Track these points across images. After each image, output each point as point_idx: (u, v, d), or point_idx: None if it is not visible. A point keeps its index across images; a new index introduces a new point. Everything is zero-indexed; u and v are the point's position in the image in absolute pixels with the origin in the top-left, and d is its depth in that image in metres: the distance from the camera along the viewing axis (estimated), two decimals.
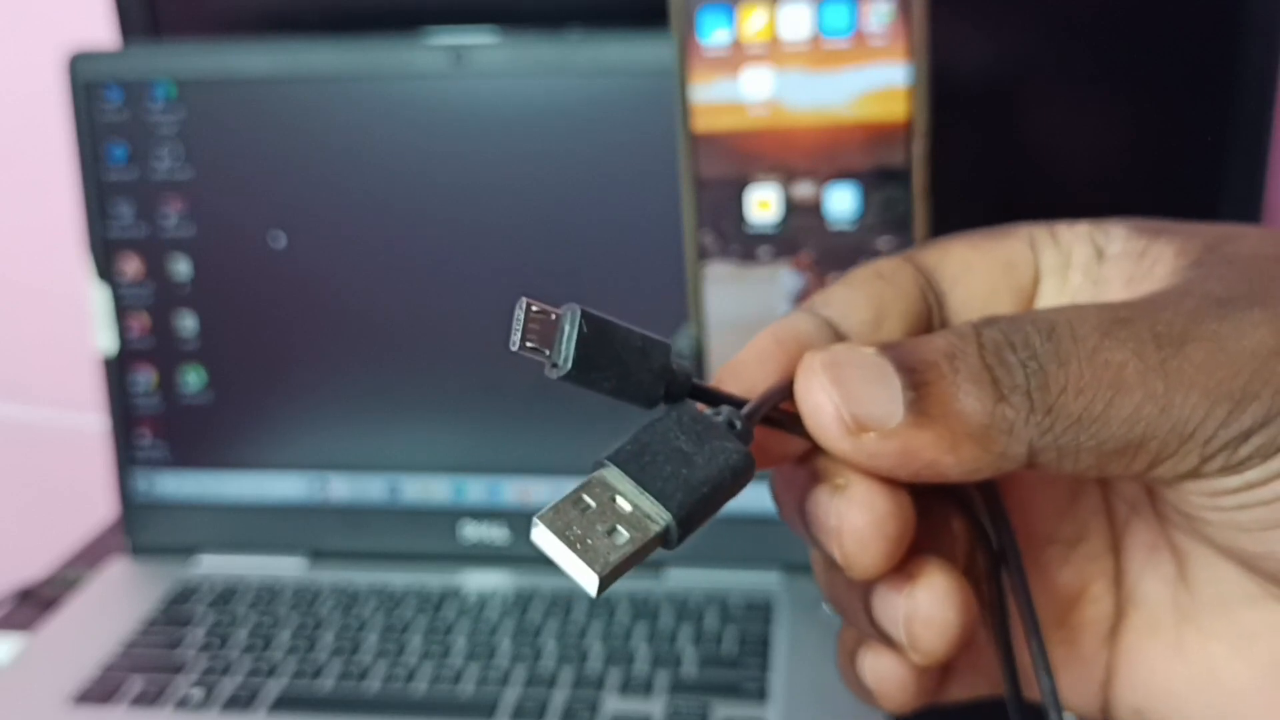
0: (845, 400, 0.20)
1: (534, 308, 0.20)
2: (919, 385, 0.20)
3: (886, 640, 0.22)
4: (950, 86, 0.51)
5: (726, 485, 0.20)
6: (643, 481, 0.20)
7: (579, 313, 0.20)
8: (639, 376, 0.20)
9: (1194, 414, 0.20)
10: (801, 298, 0.53)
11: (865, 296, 0.23)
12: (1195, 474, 0.20)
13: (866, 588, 0.22)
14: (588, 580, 0.19)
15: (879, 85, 0.50)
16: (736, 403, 0.21)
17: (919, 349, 0.21)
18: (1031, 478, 0.25)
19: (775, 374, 0.22)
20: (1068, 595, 0.25)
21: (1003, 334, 0.20)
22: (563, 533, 0.19)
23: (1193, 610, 0.24)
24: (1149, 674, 0.25)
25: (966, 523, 0.24)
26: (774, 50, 0.50)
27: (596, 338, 0.20)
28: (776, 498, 0.23)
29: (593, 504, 0.20)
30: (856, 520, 0.21)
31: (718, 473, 0.20)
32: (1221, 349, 0.20)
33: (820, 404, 0.21)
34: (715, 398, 0.21)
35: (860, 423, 0.20)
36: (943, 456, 0.20)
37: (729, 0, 0.50)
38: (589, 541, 0.19)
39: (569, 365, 0.20)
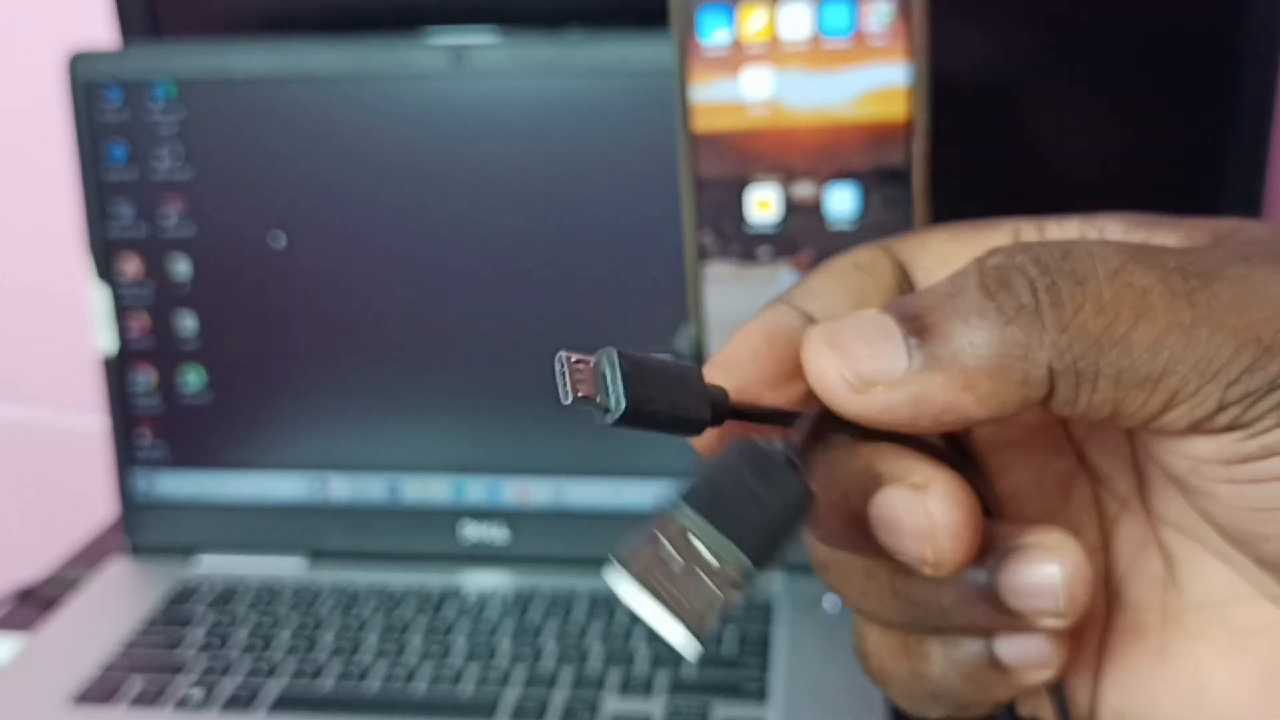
0: (846, 361, 0.20)
1: (573, 358, 0.20)
2: (921, 330, 0.19)
3: (1010, 621, 0.21)
4: (950, 86, 0.51)
5: (793, 525, 0.20)
6: (719, 524, 0.19)
7: (615, 354, 0.20)
8: (685, 403, 0.20)
9: (1220, 352, 0.19)
10: None
11: (845, 288, 0.23)
12: (1208, 423, 0.19)
13: (974, 576, 0.21)
14: (689, 647, 0.19)
15: (879, 85, 0.50)
16: (778, 417, 0.21)
17: (920, 296, 0.20)
18: (1021, 466, 0.25)
19: (767, 371, 0.22)
20: None
21: (1006, 257, 0.20)
22: (650, 585, 0.19)
23: (1180, 611, 0.24)
24: (1132, 678, 0.24)
25: None
26: (774, 50, 0.50)
27: (638, 374, 0.20)
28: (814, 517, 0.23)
29: (670, 549, 0.19)
30: (948, 517, 0.20)
31: (784, 512, 0.20)
32: (1251, 291, 0.19)
33: (823, 370, 0.20)
34: (755, 415, 0.21)
35: (865, 379, 0.20)
36: (959, 396, 0.19)
37: (729, 0, 0.50)
38: (681, 600, 0.19)
39: (623, 406, 0.19)
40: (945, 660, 0.22)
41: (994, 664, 0.22)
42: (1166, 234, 0.22)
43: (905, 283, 0.24)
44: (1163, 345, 0.19)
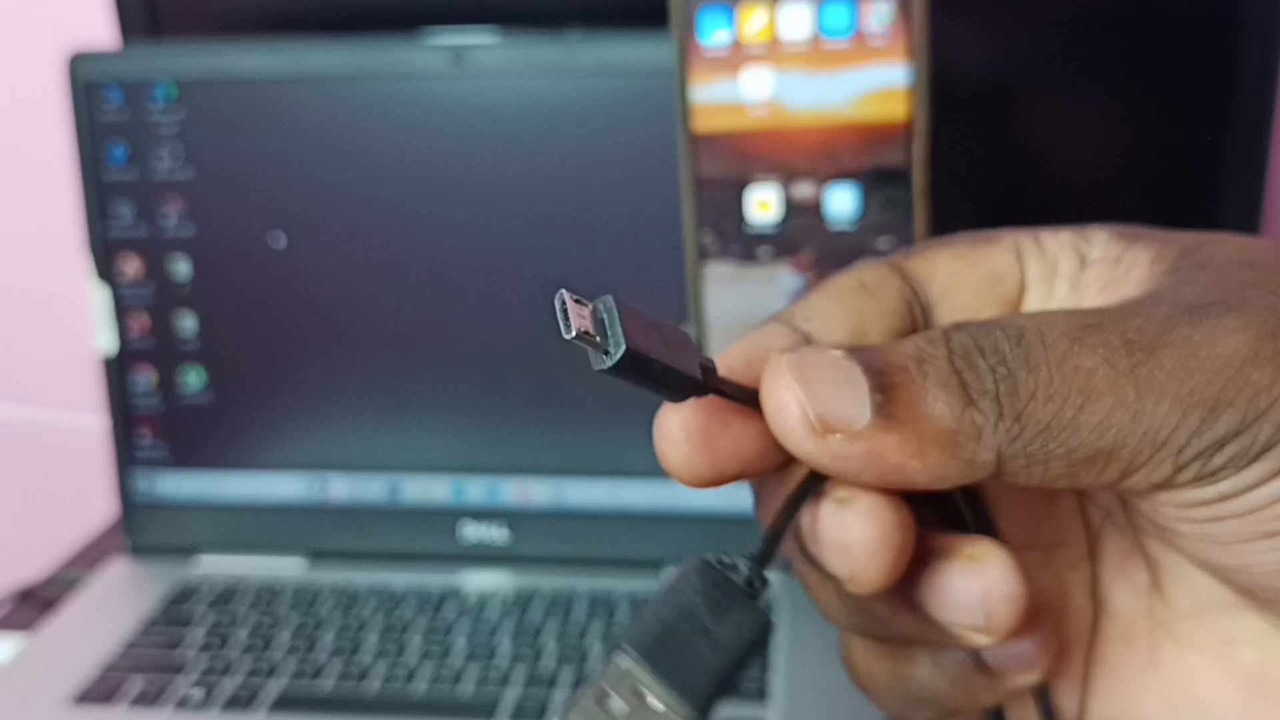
0: (811, 400, 0.20)
1: (574, 297, 0.20)
2: (886, 388, 0.20)
3: (940, 635, 0.21)
4: (950, 86, 0.51)
5: (747, 660, 0.20)
6: (666, 673, 0.19)
7: (613, 300, 0.20)
8: (679, 359, 0.20)
9: (1166, 421, 0.19)
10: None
11: (845, 311, 0.23)
12: (1169, 484, 0.20)
13: (908, 589, 0.21)
14: None
15: (879, 85, 0.50)
16: (746, 400, 0.21)
17: (887, 352, 0.20)
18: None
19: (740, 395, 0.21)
20: (1050, 605, 0.25)
21: (972, 339, 0.20)
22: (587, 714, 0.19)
23: (1167, 620, 0.24)
24: (1120, 685, 0.24)
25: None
26: (774, 50, 0.50)
27: (636, 323, 0.20)
28: (760, 519, 0.23)
29: (616, 700, 0.19)
30: (864, 533, 0.20)
31: (738, 650, 0.20)
32: (1194, 355, 0.19)
33: (785, 402, 0.20)
34: (739, 394, 0.21)
35: (826, 423, 0.20)
36: (909, 460, 0.20)
37: (729, 0, 0.50)
38: None
39: (622, 348, 0.19)
40: (930, 664, 0.22)
41: (979, 667, 0.22)
42: (1140, 250, 0.22)
43: (917, 303, 0.24)
44: (1109, 424, 0.19)
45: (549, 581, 0.61)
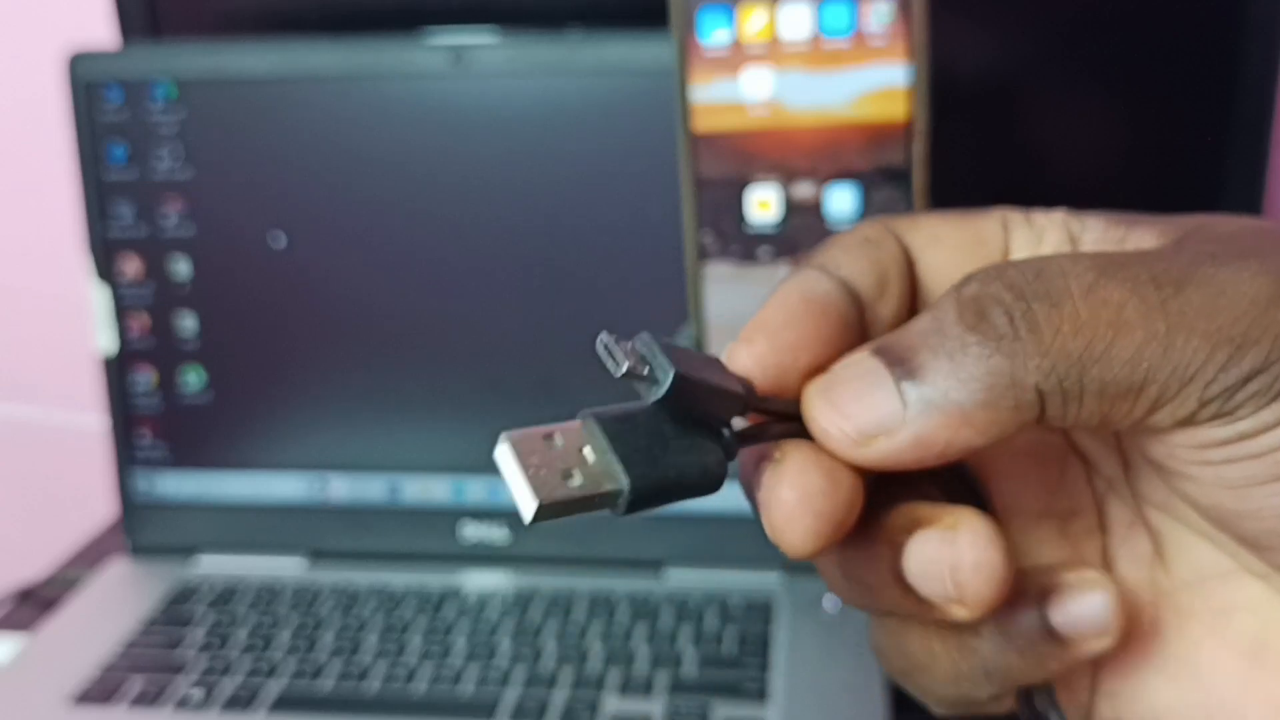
0: (843, 419, 0.20)
1: (614, 338, 0.20)
2: (911, 373, 0.20)
3: (927, 610, 0.21)
4: (950, 86, 0.51)
5: (693, 480, 0.20)
6: (615, 443, 0.20)
7: (650, 337, 0.20)
8: (723, 379, 0.21)
9: (1195, 356, 0.19)
10: None
11: (868, 261, 0.23)
12: (1191, 420, 0.20)
13: (895, 552, 0.21)
14: (527, 506, 0.19)
15: (879, 85, 0.50)
16: (790, 416, 0.21)
17: (905, 336, 0.21)
18: (1021, 450, 0.25)
19: (806, 337, 0.22)
20: None
21: (981, 285, 0.20)
22: (523, 456, 0.19)
23: (1169, 589, 0.24)
24: (1124, 658, 0.24)
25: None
26: (774, 50, 0.50)
27: (675, 353, 0.20)
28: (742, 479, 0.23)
29: (560, 444, 0.20)
30: (784, 495, 0.20)
31: (689, 465, 0.20)
32: (1221, 293, 0.19)
33: (826, 430, 0.21)
34: (776, 410, 0.21)
35: (864, 434, 0.20)
36: (958, 432, 0.20)
37: (729, 0, 0.50)
38: (543, 473, 0.19)
39: (670, 374, 0.20)
40: (996, 635, 0.22)
41: (1049, 634, 0.22)
42: (1142, 232, 0.23)
43: (907, 257, 0.24)
44: (1141, 357, 0.19)
45: (549, 581, 0.61)
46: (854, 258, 0.23)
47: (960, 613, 0.21)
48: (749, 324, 0.22)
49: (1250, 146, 0.59)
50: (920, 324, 0.21)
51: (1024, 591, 0.22)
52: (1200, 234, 0.22)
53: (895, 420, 0.20)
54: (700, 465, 0.20)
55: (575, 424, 0.20)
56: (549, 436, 0.20)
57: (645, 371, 0.20)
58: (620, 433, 0.20)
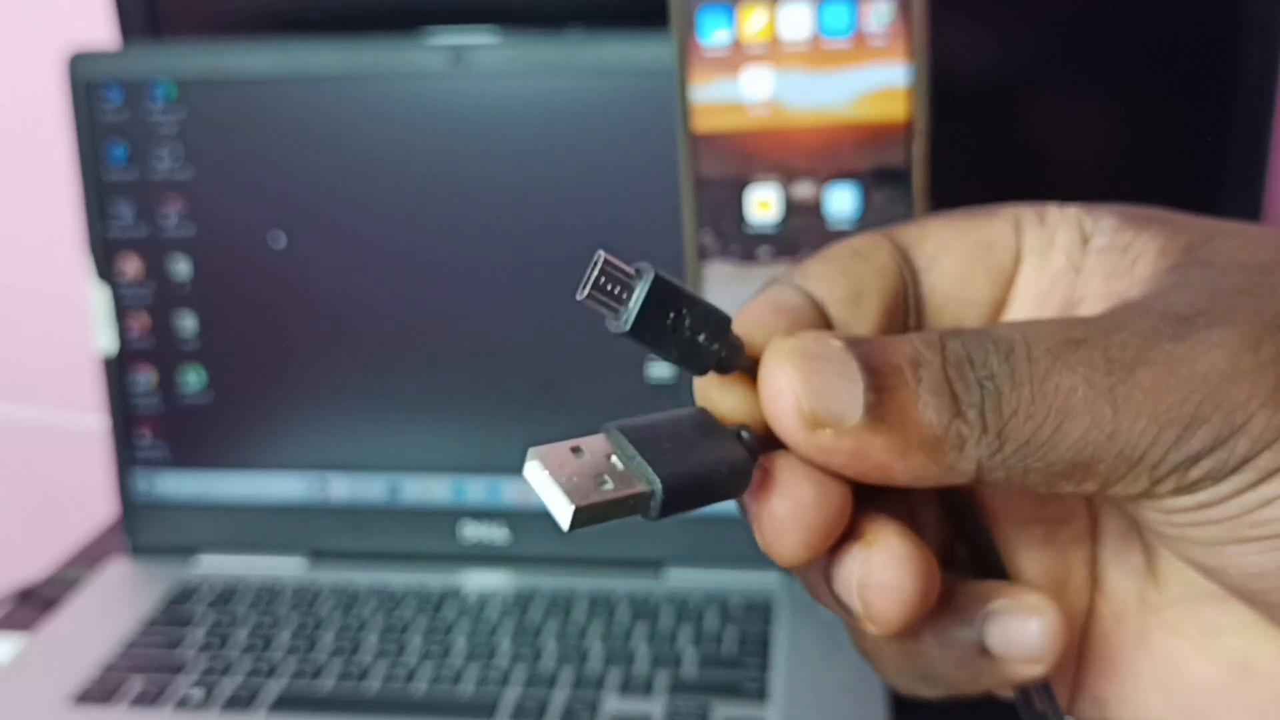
0: (808, 393, 0.20)
1: (611, 262, 0.20)
2: (880, 389, 0.20)
3: (845, 611, 0.22)
4: (950, 86, 0.51)
5: (722, 479, 0.20)
6: (641, 449, 0.20)
7: (652, 275, 0.20)
8: (699, 342, 0.21)
9: (1141, 439, 0.20)
10: None
11: (843, 273, 0.23)
12: (1148, 494, 0.20)
13: (828, 560, 0.22)
14: (563, 511, 0.19)
15: (879, 85, 0.50)
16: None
17: (885, 351, 0.20)
18: None
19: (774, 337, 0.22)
20: (1052, 579, 0.25)
21: (964, 348, 0.20)
22: (553, 467, 0.20)
23: (1158, 605, 0.24)
24: (1112, 663, 0.25)
25: (941, 517, 0.24)
26: (774, 50, 0.50)
27: (664, 300, 0.20)
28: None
29: (587, 454, 0.20)
30: (775, 508, 0.21)
31: (716, 464, 0.20)
32: (1173, 372, 0.20)
33: (782, 390, 0.20)
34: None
35: (818, 418, 0.20)
36: (893, 462, 0.20)
37: (729, 0, 0.50)
38: (575, 480, 0.20)
39: (631, 322, 0.20)
40: (935, 643, 0.22)
41: (983, 651, 0.22)
42: (1149, 239, 0.23)
43: (908, 269, 0.24)
44: (1085, 442, 0.20)
45: (549, 581, 0.61)
46: (831, 270, 0.23)
47: (871, 629, 0.21)
48: None
49: (1250, 146, 0.59)
50: (903, 349, 0.21)
51: (965, 607, 0.22)
52: (1193, 260, 0.22)
53: (849, 420, 0.20)
54: (727, 463, 0.20)
55: (599, 436, 0.20)
56: (575, 449, 0.20)
57: (615, 307, 0.20)
58: (644, 440, 0.20)
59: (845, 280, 0.23)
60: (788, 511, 0.21)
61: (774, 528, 0.21)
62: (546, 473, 0.20)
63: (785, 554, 0.21)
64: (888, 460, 0.20)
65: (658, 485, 0.20)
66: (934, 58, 0.49)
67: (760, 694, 0.52)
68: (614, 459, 0.20)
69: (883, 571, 0.21)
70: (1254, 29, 0.58)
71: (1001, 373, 0.20)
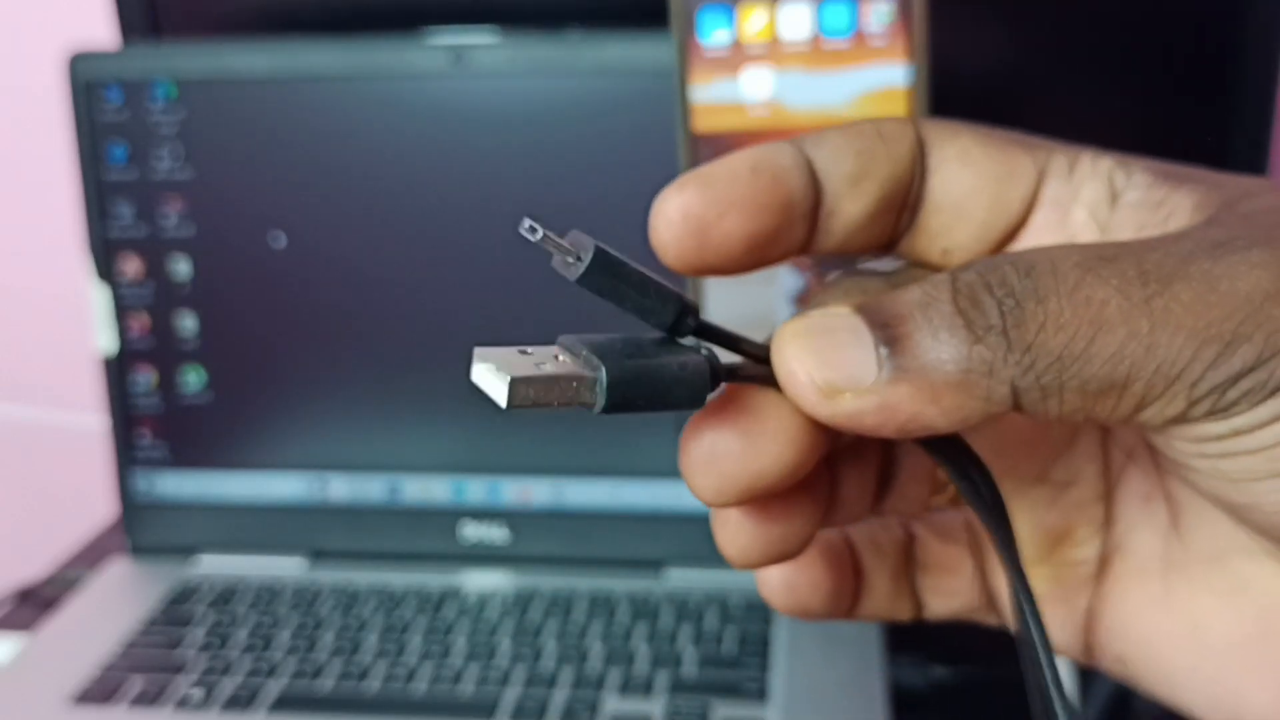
0: (817, 366, 0.20)
1: (543, 233, 0.20)
2: (893, 340, 0.20)
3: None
4: (950, 86, 0.51)
5: (672, 374, 0.20)
6: (593, 348, 0.20)
7: (593, 250, 0.20)
8: (658, 286, 0.21)
9: (1181, 354, 0.19)
10: (801, 298, 0.53)
11: (857, 151, 0.22)
12: (1183, 418, 0.20)
13: None
14: (498, 388, 0.19)
15: (879, 85, 0.50)
16: (743, 348, 0.21)
17: (893, 303, 0.20)
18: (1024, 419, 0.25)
19: (740, 195, 0.21)
20: (1052, 535, 0.26)
21: (978, 275, 0.20)
22: (498, 361, 0.20)
23: (1183, 561, 0.24)
24: (1132, 621, 0.25)
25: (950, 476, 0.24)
26: (774, 50, 0.50)
27: (608, 276, 0.20)
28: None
29: (534, 354, 0.20)
30: (716, 441, 0.21)
31: (669, 363, 0.20)
32: (1213, 289, 0.19)
33: (793, 372, 0.20)
34: (723, 338, 0.21)
35: (834, 387, 0.20)
36: (925, 408, 0.20)
37: (729, 0, 0.50)
38: (515, 362, 0.20)
39: (593, 249, 0.20)
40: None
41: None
42: (1185, 195, 0.22)
43: (921, 164, 0.23)
44: (1123, 355, 0.19)
45: (549, 581, 0.61)
46: (846, 145, 0.22)
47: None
48: (691, 173, 0.22)
49: (1250, 146, 0.59)
50: (911, 295, 0.20)
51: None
52: (1233, 209, 0.21)
53: (866, 380, 0.20)
54: (678, 362, 0.20)
55: (551, 346, 0.20)
56: (524, 351, 0.20)
57: (568, 245, 0.20)
58: (597, 343, 0.20)
59: (856, 160, 0.22)
60: (738, 450, 0.21)
61: (702, 462, 0.21)
62: (491, 363, 0.19)
63: (707, 490, 0.21)
64: (919, 408, 0.20)
65: (602, 372, 0.19)
66: (934, 58, 0.49)
67: (760, 694, 0.52)
68: (561, 357, 0.20)
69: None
70: (1254, 29, 0.58)
71: (1023, 288, 0.19)
